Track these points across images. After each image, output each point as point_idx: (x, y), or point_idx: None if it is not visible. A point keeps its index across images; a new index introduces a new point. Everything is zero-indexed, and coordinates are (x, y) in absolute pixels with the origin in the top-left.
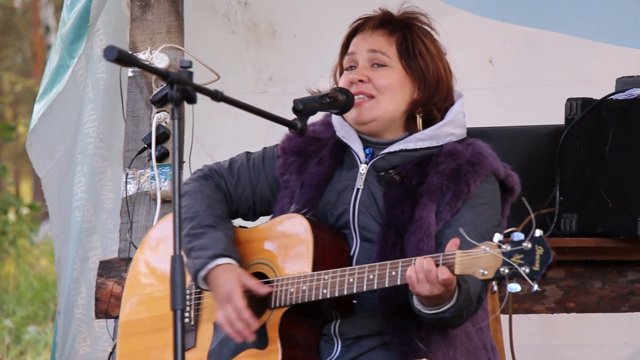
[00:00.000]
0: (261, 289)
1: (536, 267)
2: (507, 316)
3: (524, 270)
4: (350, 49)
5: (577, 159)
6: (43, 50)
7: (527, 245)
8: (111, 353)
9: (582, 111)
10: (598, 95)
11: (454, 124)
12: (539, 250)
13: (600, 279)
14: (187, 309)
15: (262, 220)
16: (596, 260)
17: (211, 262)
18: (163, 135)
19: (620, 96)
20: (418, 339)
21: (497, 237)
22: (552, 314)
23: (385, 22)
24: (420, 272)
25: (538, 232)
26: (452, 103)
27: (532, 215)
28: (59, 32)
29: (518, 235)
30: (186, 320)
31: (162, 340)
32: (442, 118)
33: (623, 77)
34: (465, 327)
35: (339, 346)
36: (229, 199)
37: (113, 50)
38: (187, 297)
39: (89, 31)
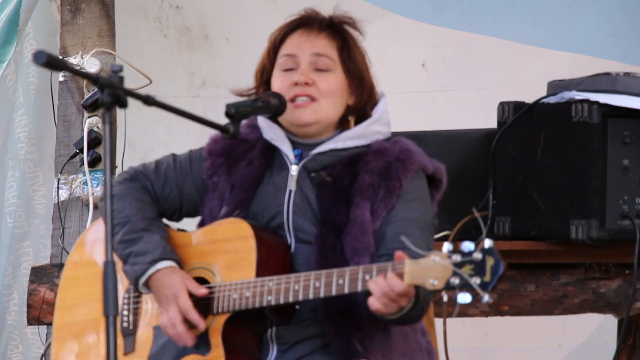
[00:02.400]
0: (198, 290)
1: (487, 278)
2: (441, 320)
3: (475, 281)
4: (289, 50)
5: (509, 163)
6: None
7: (478, 255)
8: (42, 356)
9: (514, 115)
10: (530, 99)
11: (380, 122)
12: (490, 261)
13: (533, 282)
14: (125, 312)
15: (192, 222)
16: (529, 264)
17: (151, 267)
18: (95, 140)
19: (552, 99)
20: (357, 340)
21: (447, 246)
22: (486, 317)
23: (328, 25)
24: (382, 298)
25: (488, 243)
26: (376, 103)
27: (483, 227)
28: None
29: (468, 246)
30: (124, 324)
31: (99, 343)
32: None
33: (554, 80)
34: (403, 329)
35: (275, 351)
36: (156, 201)
37: (43, 55)
38: (125, 300)
39: (18, 35)
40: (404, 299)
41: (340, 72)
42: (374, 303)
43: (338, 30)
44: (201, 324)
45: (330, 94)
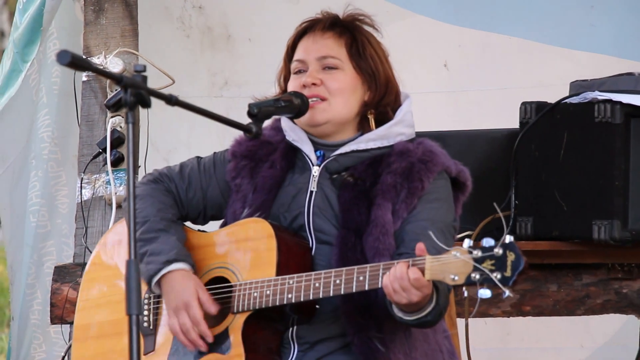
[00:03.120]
0: (210, 306)
1: (508, 273)
2: (463, 320)
3: (496, 276)
4: (299, 56)
5: (531, 163)
6: None
7: (498, 251)
8: (64, 356)
9: (537, 115)
10: (552, 99)
11: (404, 123)
12: (510, 256)
13: (555, 282)
14: (146, 313)
15: (215, 224)
16: (551, 264)
17: (165, 267)
18: (118, 140)
19: (574, 100)
20: (378, 341)
21: (467, 242)
22: (509, 317)
23: (333, 25)
24: (394, 282)
25: (509, 238)
26: (400, 104)
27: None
28: (12, 36)
29: (488, 241)
30: (145, 324)
31: (119, 344)
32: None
33: (577, 80)
34: (423, 330)
35: (296, 350)
36: (180, 203)
37: (66, 55)
38: (146, 300)
39: (42, 35)
40: (416, 293)
41: (350, 69)
42: (385, 282)
43: (346, 28)
44: (210, 337)
45: (339, 92)
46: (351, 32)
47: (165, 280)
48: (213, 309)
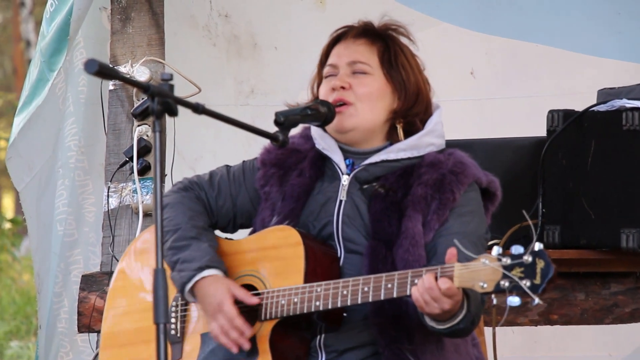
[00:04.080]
0: (250, 299)
1: (537, 281)
2: (490, 328)
3: (525, 283)
4: (331, 60)
5: (559, 171)
6: (24, 65)
7: (528, 258)
8: None
9: (564, 123)
10: (580, 107)
11: (434, 134)
12: (540, 264)
13: (583, 290)
14: (173, 320)
15: (243, 232)
16: (579, 272)
17: (198, 274)
18: (144, 149)
19: (602, 107)
20: (410, 352)
21: (496, 250)
22: (536, 326)
23: (367, 32)
24: (424, 294)
25: (538, 246)
26: (431, 114)
27: (535, 229)
28: (39, 45)
29: (517, 249)
30: (172, 332)
31: (145, 352)
32: (422, 129)
33: (604, 88)
34: (454, 340)
35: (323, 358)
36: (210, 211)
37: (94, 64)
38: (173, 309)
39: (68, 44)
40: (447, 300)
41: (380, 75)
42: (415, 295)
43: (380, 36)
44: (247, 330)
45: (366, 97)
46: (384, 40)
47: (198, 287)
48: (253, 300)
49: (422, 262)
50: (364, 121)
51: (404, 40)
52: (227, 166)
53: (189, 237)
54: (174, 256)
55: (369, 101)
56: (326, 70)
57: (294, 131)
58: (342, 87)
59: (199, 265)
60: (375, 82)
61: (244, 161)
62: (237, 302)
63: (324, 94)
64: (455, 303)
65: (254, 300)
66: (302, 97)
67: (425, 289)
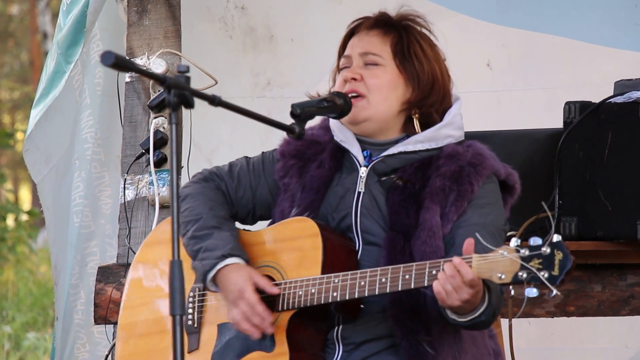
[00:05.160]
0: (271, 288)
1: (555, 272)
2: (507, 320)
3: (543, 274)
4: (346, 52)
5: (576, 163)
6: (40, 57)
7: (546, 250)
8: (107, 355)
9: (581, 114)
10: (596, 99)
11: (452, 125)
12: (558, 255)
13: (600, 282)
14: (190, 311)
15: (262, 224)
16: (596, 264)
17: (220, 262)
18: (161, 141)
19: (619, 99)
20: (427, 344)
21: (514, 241)
22: (552, 317)
23: (380, 23)
24: (446, 283)
25: (556, 237)
26: (449, 106)
27: (553, 220)
28: (55, 37)
29: (536, 240)
30: (189, 322)
31: (163, 342)
32: (440, 121)
33: (621, 80)
34: (471, 332)
35: (340, 351)
36: (230, 202)
37: (110, 56)
38: (190, 299)
39: (85, 37)
40: (467, 290)
41: (392, 67)
42: (437, 287)
43: (394, 27)
44: (268, 317)
45: (378, 88)
46: (398, 30)
47: (220, 275)
48: (274, 290)
49: (440, 253)
50: (377, 112)
51: (421, 30)
52: (247, 157)
53: (211, 227)
54: (195, 245)
55: (380, 92)
56: (341, 62)
57: (314, 122)
58: (354, 79)
59: (222, 254)
60: (387, 73)
61: (263, 152)
62: (258, 291)
63: (338, 85)
64: (475, 294)
65: (274, 289)
66: (319, 89)
67: (447, 277)
